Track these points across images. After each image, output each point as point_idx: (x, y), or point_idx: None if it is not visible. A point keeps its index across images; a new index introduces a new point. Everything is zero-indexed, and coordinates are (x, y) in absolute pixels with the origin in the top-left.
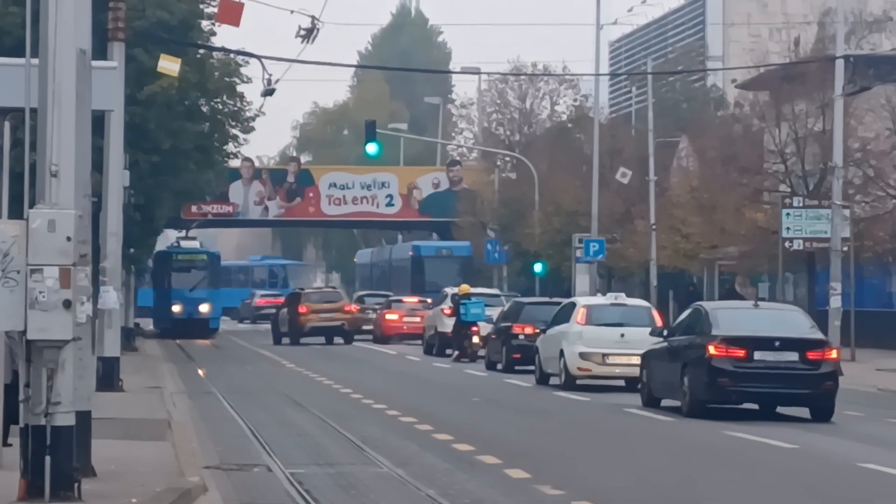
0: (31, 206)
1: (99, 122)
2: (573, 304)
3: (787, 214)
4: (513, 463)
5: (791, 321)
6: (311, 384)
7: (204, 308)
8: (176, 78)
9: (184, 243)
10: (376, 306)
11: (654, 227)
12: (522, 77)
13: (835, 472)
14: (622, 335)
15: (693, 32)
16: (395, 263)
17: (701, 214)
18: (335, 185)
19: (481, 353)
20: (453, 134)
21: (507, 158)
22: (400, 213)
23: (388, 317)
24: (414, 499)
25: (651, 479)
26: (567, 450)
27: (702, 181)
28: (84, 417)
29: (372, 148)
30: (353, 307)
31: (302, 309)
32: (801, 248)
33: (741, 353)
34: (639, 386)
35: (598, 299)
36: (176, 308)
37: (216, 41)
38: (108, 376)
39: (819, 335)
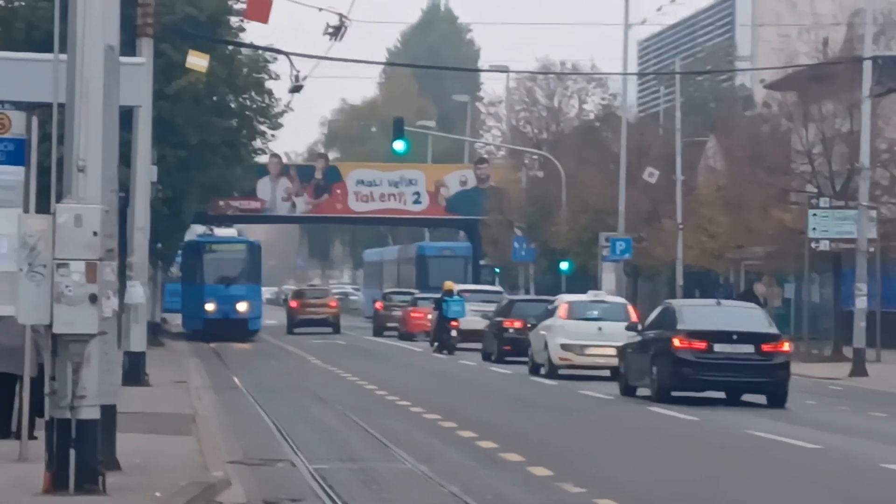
0: (57, 201)
1: (127, 116)
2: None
3: (814, 215)
4: (535, 460)
5: (749, 317)
6: (336, 380)
7: (242, 307)
8: (204, 73)
9: (219, 231)
10: (402, 303)
11: (680, 226)
12: (551, 75)
13: (857, 472)
14: (600, 328)
15: (722, 32)
16: (402, 262)
17: (728, 214)
18: (363, 182)
19: (461, 345)
20: (481, 132)
21: (535, 156)
22: (427, 211)
23: (413, 314)
24: (437, 495)
25: (672, 477)
26: (588, 447)
27: (729, 181)
28: (109, 411)
29: (400, 145)
30: (336, 301)
31: (293, 304)
32: (828, 248)
33: (702, 345)
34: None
35: (579, 296)
36: (209, 306)
37: (244, 37)
38: (135, 371)
39: (773, 330)
